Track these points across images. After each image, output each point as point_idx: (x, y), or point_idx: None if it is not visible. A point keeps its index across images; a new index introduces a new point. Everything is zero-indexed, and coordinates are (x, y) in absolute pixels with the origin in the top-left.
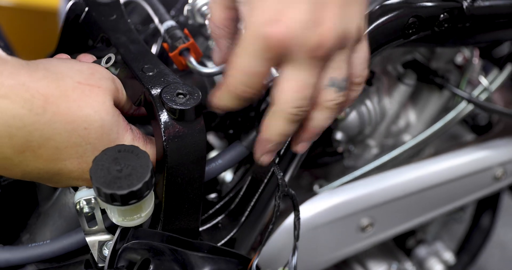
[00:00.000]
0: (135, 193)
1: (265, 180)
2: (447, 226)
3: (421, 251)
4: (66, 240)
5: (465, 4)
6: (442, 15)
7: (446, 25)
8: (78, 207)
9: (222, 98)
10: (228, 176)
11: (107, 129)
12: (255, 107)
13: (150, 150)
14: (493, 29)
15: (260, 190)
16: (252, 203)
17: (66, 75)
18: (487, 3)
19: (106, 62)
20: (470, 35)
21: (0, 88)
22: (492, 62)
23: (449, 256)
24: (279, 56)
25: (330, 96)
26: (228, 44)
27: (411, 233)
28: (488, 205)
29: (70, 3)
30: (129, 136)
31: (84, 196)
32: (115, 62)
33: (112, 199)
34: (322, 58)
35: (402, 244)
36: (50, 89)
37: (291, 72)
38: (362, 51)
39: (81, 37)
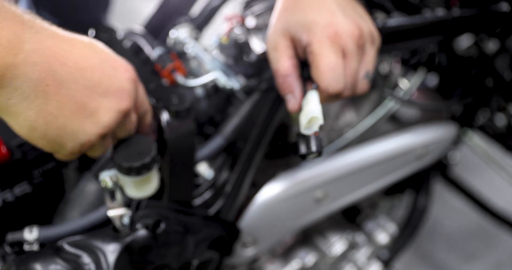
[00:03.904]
0: (146, 165)
1: (241, 163)
2: (391, 211)
3: (369, 225)
4: (92, 217)
5: (379, 23)
6: None
7: None
8: (103, 183)
9: (330, 101)
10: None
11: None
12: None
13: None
14: (402, 40)
15: (237, 171)
16: (232, 181)
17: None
18: (396, 21)
19: None
20: (386, 46)
21: None
22: (411, 68)
23: (392, 227)
24: (341, 48)
25: (364, 86)
26: (299, 88)
27: (359, 211)
28: (422, 191)
29: None
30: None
31: (107, 174)
32: None
33: (129, 170)
34: (363, 47)
35: (353, 221)
36: None
37: (348, 61)
38: (375, 58)
39: None
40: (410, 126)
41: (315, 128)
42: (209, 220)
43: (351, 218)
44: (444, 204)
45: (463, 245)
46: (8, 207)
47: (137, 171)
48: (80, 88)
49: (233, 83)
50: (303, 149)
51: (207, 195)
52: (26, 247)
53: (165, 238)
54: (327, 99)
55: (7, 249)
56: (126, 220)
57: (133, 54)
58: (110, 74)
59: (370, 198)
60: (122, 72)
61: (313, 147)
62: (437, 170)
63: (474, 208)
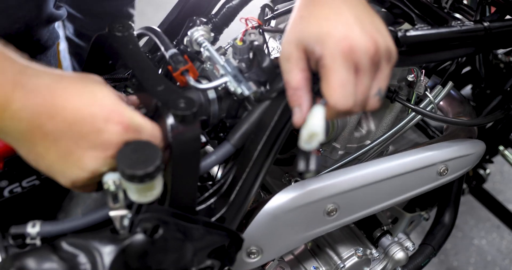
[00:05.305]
0: (149, 174)
1: (247, 170)
2: (415, 224)
3: (386, 240)
4: (94, 215)
5: (399, 33)
6: None
7: None
8: (106, 186)
9: (337, 117)
10: (219, 173)
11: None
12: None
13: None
14: (425, 52)
15: (243, 178)
16: (237, 188)
17: None
18: (418, 32)
19: None
20: (408, 58)
21: None
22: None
23: (409, 244)
24: (354, 64)
25: (375, 104)
26: (308, 102)
27: (377, 225)
28: (449, 204)
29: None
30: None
31: (111, 177)
32: (132, 80)
33: (132, 178)
34: (377, 63)
35: (370, 235)
36: None
37: (360, 78)
38: (389, 75)
39: (103, 61)
40: (433, 141)
41: (315, 144)
42: (211, 228)
43: (368, 231)
44: (478, 219)
45: (495, 261)
46: (15, 199)
47: (139, 179)
48: (66, 139)
49: (243, 89)
50: (301, 166)
51: (211, 201)
52: (28, 241)
53: (163, 244)
54: (335, 115)
55: (10, 241)
56: (126, 222)
57: (148, 52)
58: (99, 127)
59: (391, 212)
60: (114, 124)
61: (312, 166)
62: (469, 185)
63: (507, 223)
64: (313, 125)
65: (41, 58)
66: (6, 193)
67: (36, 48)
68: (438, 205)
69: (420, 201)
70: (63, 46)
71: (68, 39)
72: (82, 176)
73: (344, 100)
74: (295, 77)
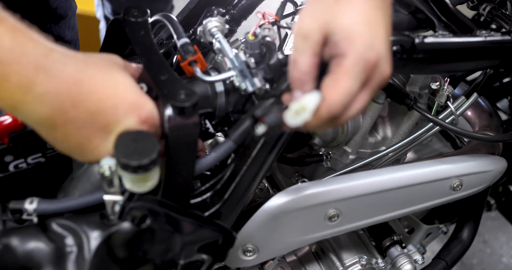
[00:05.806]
0: (143, 166)
1: (245, 168)
2: (432, 236)
3: (395, 251)
4: (90, 197)
5: (416, 40)
6: (395, 48)
7: (399, 55)
8: (101, 170)
9: (319, 119)
10: None
11: None
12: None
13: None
14: (443, 61)
15: (240, 175)
16: (234, 185)
17: None
18: (436, 40)
19: None
20: (424, 65)
21: None
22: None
23: (419, 257)
24: (367, 78)
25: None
26: (311, 89)
27: (388, 234)
28: (469, 220)
29: (111, 19)
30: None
31: (107, 163)
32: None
33: (126, 167)
34: (380, 87)
35: (379, 243)
36: None
37: (364, 93)
38: None
39: (120, 46)
40: (452, 153)
41: (300, 120)
42: (203, 222)
43: (377, 239)
44: (510, 236)
45: None
46: (20, 175)
47: (133, 169)
48: (86, 128)
49: (247, 85)
50: (258, 112)
51: (207, 195)
52: (25, 217)
53: (150, 234)
54: (320, 118)
55: (9, 215)
56: (117, 208)
57: (166, 39)
58: (120, 118)
59: (408, 222)
60: (133, 117)
61: (269, 120)
62: (497, 201)
63: None
64: (307, 101)
65: (52, 28)
66: (11, 168)
67: (45, 15)
68: (457, 219)
69: (439, 213)
70: (102, 25)
71: (106, 18)
72: (98, 159)
73: (338, 105)
74: (306, 60)
